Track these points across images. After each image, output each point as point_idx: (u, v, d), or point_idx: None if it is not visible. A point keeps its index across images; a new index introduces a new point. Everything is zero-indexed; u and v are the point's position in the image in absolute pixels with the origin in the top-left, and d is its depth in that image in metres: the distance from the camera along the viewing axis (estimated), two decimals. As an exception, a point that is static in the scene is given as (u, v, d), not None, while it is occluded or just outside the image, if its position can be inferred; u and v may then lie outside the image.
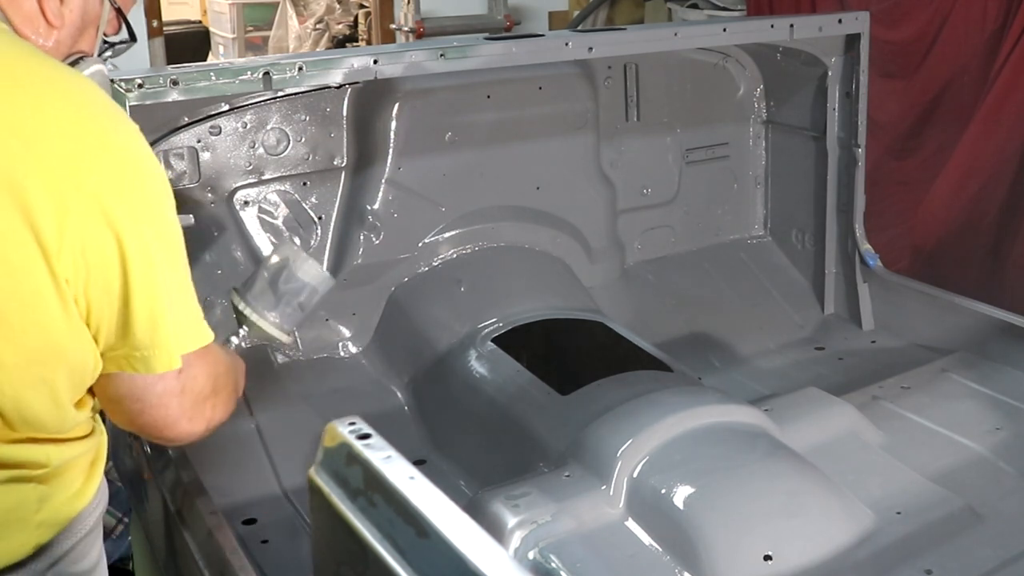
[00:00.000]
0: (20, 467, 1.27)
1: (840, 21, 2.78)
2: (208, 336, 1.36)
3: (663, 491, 1.79)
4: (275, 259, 1.85)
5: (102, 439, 1.44)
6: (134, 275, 1.21)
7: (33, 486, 1.29)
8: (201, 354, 1.34)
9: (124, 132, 1.24)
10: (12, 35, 1.26)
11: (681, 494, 1.78)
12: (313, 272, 1.85)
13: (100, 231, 1.17)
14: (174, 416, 1.35)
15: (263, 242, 2.59)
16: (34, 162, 1.14)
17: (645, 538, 1.77)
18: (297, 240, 2.61)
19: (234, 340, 1.84)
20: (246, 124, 2.53)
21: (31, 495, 1.28)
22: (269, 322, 1.82)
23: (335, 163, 2.66)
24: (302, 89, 2.49)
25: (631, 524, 1.79)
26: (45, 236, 1.14)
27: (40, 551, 1.31)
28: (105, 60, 1.48)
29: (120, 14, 1.47)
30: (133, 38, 1.54)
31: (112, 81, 1.75)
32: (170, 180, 2.42)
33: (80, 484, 1.37)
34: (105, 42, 1.47)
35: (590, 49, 2.40)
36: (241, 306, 1.81)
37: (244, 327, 1.83)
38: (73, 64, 1.36)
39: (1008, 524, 1.86)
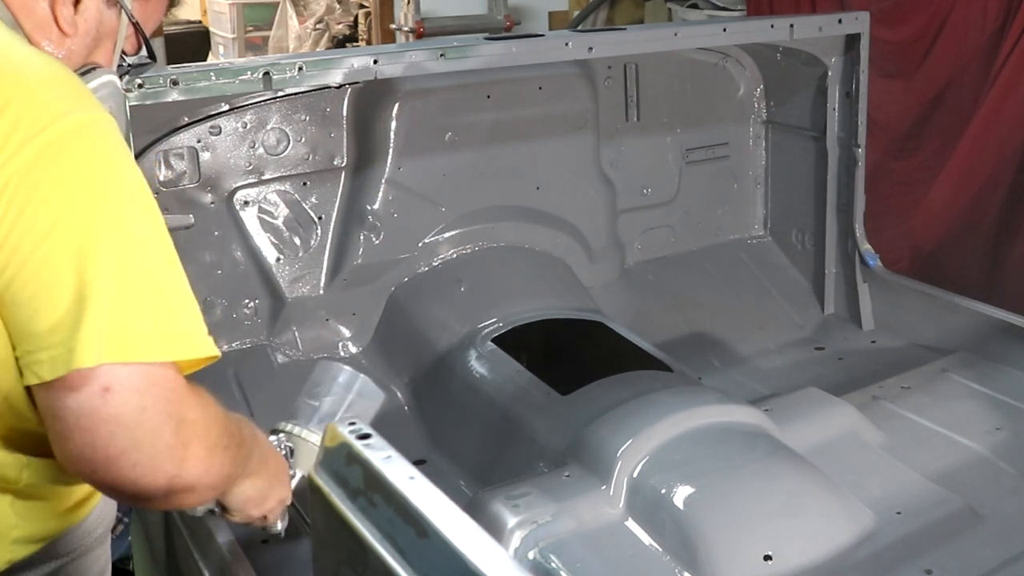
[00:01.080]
0: None
1: (840, 21, 2.78)
2: (179, 352, 1.11)
3: (663, 491, 1.79)
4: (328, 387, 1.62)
5: None
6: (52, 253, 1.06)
7: (10, 500, 1.23)
8: (153, 374, 1.08)
9: (86, 125, 1.12)
10: (17, 37, 1.21)
11: (681, 494, 1.78)
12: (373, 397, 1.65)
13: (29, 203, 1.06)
14: (113, 449, 1.06)
15: (263, 242, 2.59)
16: None
17: (645, 538, 1.77)
18: (297, 241, 2.61)
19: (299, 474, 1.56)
20: (246, 124, 2.53)
21: (7, 509, 1.23)
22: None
23: (335, 163, 2.66)
24: (302, 89, 2.49)
25: (631, 524, 1.79)
26: None
27: (17, 569, 1.25)
28: (121, 76, 1.43)
29: (138, 30, 1.39)
30: (152, 57, 1.48)
31: None
32: (170, 180, 2.46)
33: (73, 502, 1.32)
34: (124, 63, 1.42)
35: (590, 49, 2.41)
36: (305, 434, 1.55)
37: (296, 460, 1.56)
38: (84, 75, 1.30)
39: (1008, 524, 1.86)
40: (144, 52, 1.44)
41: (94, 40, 1.31)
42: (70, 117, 1.10)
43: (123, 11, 1.34)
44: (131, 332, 1.07)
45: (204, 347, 1.14)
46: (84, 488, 1.33)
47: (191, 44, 7.91)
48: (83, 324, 1.04)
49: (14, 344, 1.09)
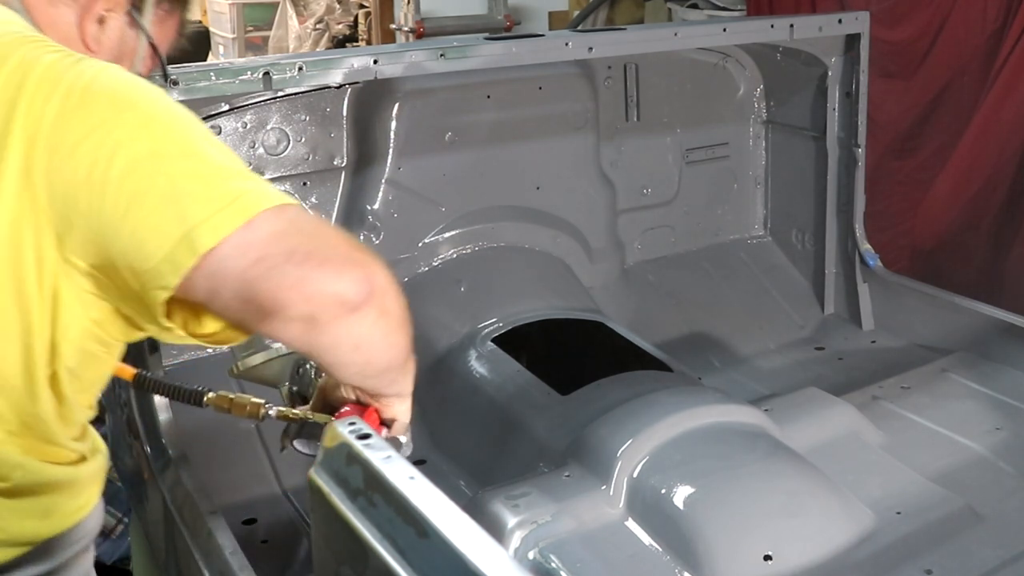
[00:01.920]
0: None
1: (840, 21, 2.78)
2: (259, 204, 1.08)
3: (663, 491, 1.79)
4: None
5: (95, 467, 1.33)
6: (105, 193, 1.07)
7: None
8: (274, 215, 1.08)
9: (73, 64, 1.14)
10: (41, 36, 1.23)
11: (681, 494, 1.78)
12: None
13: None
14: (300, 258, 1.07)
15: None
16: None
17: (645, 538, 1.77)
18: None
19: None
20: (246, 124, 2.53)
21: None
22: None
23: (335, 163, 2.66)
24: (302, 89, 2.49)
25: (631, 524, 1.79)
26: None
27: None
28: None
29: (155, 51, 1.41)
30: (166, 78, 1.52)
31: None
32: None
33: (62, 509, 1.30)
34: None
35: (590, 49, 2.41)
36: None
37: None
38: None
39: (1008, 524, 1.86)
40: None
41: (115, 58, 1.33)
42: (82, 64, 1.13)
43: (142, 32, 1.37)
44: (234, 197, 1.07)
45: (282, 196, 1.12)
46: (76, 497, 1.32)
47: (191, 44, 7.90)
48: (190, 212, 1.05)
49: (134, 277, 1.08)
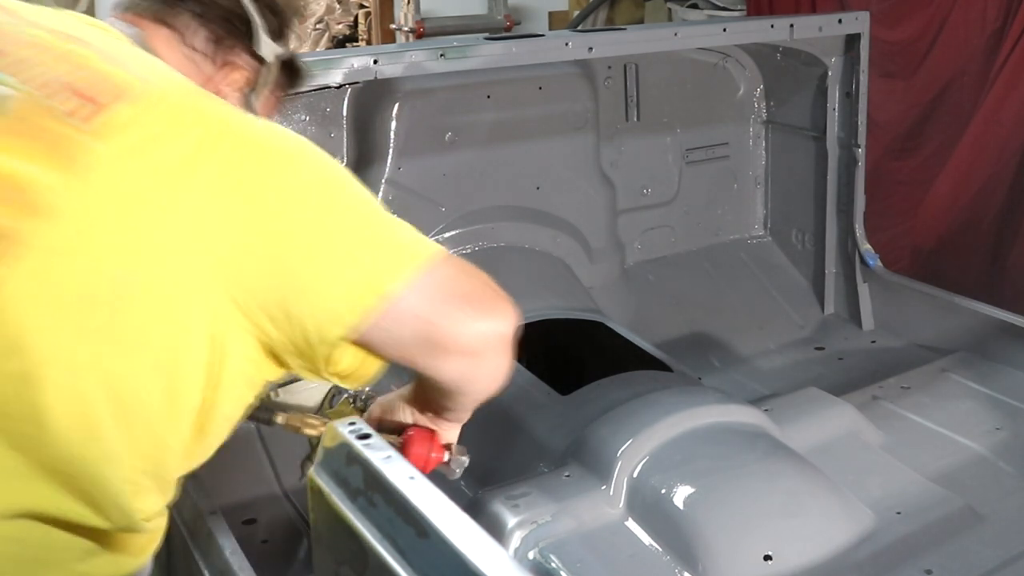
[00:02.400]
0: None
1: (840, 21, 2.78)
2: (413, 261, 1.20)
3: (663, 491, 1.79)
4: None
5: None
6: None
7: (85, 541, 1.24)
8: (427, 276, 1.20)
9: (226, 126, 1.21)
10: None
11: (681, 494, 1.78)
12: None
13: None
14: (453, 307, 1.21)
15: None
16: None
17: (645, 538, 1.77)
18: None
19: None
20: None
21: (78, 545, 1.23)
22: None
23: (335, 163, 2.66)
24: (302, 89, 2.49)
25: (631, 524, 1.79)
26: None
27: None
28: None
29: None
30: None
31: None
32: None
33: (134, 551, 1.33)
34: None
35: (590, 49, 2.41)
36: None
37: None
38: None
39: (1008, 524, 1.86)
40: None
41: None
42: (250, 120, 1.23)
43: (252, 111, 1.51)
44: (395, 254, 1.20)
45: (435, 247, 1.24)
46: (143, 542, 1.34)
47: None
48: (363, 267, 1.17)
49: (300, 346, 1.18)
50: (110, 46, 1.30)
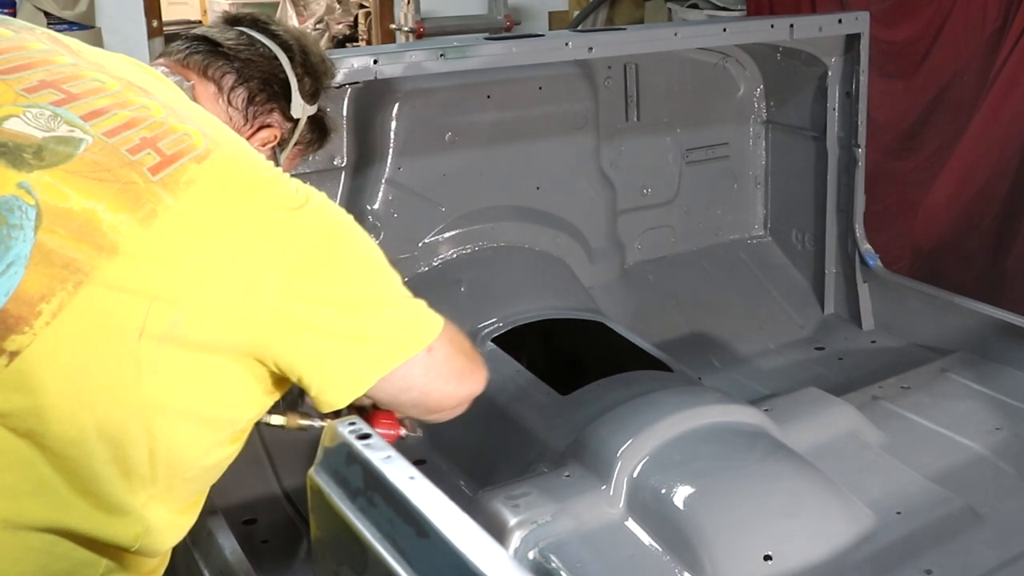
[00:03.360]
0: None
1: (840, 21, 2.78)
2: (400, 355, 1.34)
3: (663, 491, 1.79)
4: None
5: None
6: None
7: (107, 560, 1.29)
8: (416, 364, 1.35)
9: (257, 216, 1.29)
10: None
11: (681, 494, 1.78)
12: None
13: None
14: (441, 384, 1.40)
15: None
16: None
17: (645, 538, 1.76)
18: None
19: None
20: None
21: (100, 563, 1.29)
22: None
23: (335, 163, 2.66)
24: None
25: (631, 524, 1.79)
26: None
27: None
28: None
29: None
30: None
31: None
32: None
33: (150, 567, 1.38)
34: None
35: (590, 49, 2.40)
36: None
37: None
38: None
39: (1008, 524, 1.86)
40: None
41: None
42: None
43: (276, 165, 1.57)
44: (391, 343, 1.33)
45: (437, 322, 1.39)
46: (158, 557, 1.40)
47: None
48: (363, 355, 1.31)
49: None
50: (171, 98, 1.38)
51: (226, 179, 1.26)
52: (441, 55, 2.22)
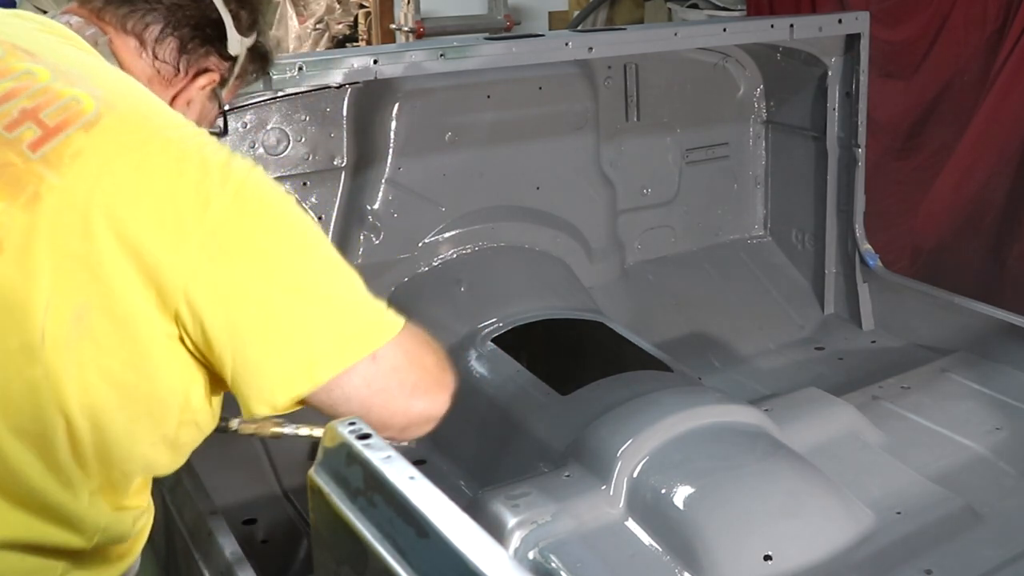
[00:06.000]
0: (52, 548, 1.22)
1: (840, 21, 2.78)
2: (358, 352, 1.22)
3: (663, 491, 1.79)
4: None
5: (149, 519, 1.38)
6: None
7: (60, 562, 1.24)
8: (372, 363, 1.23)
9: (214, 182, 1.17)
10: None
11: (681, 494, 1.78)
12: None
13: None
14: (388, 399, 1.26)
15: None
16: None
17: (645, 538, 1.77)
18: None
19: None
20: (246, 124, 2.53)
21: (54, 566, 1.23)
22: None
23: (335, 163, 2.66)
24: (302, 89, 2.49)
25: (631, 524, 1.79)
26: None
27: None
28: None
29: (224, 116, 1.57)
30: (225, 131, 1.61)
31: None
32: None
33: (119, 564, 1.34)
34: None
35: (590, 49, 2.41)
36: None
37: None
38: None
39: (1008, 524, 1.86)
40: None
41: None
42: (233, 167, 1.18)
43: (218, 102, 1.50)
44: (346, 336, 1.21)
45: (391, 326, 1.26)
46: (130, 553, 1.35)
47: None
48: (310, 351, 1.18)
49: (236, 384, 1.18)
50: (65, 58, 1.25)
51: (120, 145, 1.13)
52: (441, 55, 2.22)
